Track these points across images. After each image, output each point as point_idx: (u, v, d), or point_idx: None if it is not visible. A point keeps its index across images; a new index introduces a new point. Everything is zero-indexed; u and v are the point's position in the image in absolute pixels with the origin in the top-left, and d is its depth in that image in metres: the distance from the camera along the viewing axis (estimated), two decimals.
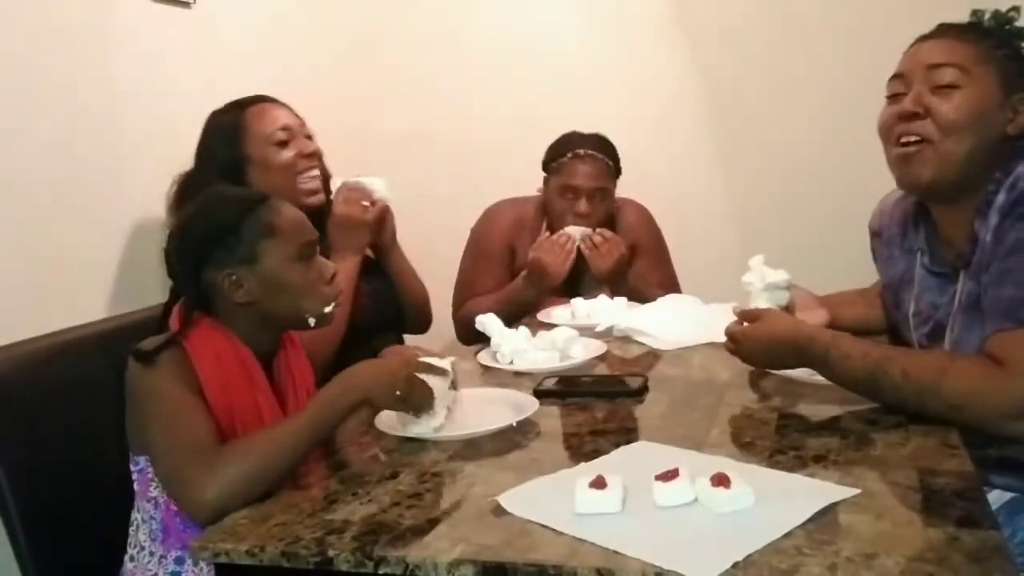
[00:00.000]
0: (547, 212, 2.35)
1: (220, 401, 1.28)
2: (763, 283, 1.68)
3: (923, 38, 1.47)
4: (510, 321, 1.91)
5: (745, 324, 1.49)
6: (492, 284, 2.34)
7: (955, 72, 1.39)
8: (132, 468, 1.34)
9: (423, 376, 1.31)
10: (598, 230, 2.22)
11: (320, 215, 1.91)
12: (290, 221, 1.38)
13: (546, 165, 2.35)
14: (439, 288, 2.27)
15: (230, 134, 1.91)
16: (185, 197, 1.86)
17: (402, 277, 2.09)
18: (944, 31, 1.45)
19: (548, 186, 2.34)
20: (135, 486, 1.34)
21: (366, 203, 1.95)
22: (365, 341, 1.91)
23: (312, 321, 1.38)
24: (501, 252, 2.37)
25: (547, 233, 2.27)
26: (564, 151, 2.29)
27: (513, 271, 2.35)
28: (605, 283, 2.24)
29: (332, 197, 1.97)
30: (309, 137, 1.98)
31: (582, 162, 2.26)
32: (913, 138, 1.42)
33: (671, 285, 2.36)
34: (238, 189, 1.38)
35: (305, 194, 1.93)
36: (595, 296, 2.14)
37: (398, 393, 1.28)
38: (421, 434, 1.33)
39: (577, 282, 2.29)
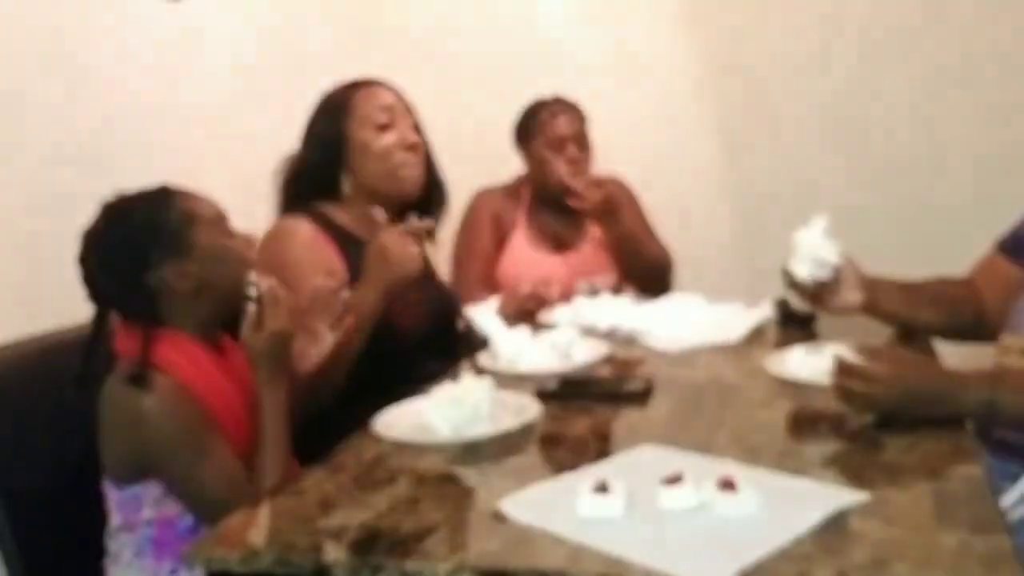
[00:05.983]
0: (537, 177, 2.43)
1: (212, 405, 1.31)
2: (812, 252, 1.65)
3: None
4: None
5: (875, 363, 1.31)
6: (481, 248, 2.42)
7: None
8: (113, 495, 1.32)
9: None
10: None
11: (419, 205, 1.83)
12: (204, 203, 1.39)
13: (522, 134, 2.45)
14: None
15: (335, 112, 1.84)
16: (294, 180, 1.83)
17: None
18: None
19: (531, 154, 2.43)
20: (117, 514, 1.32)
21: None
22: (418, 362, 1.75)
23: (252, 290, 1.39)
24: (488, 219, 2.44)
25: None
26: (536, 112, 2.41)
27: (500, 235, 2.43)
28: (596, 222, 2.37)
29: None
30: (416, 128, 1.88)
31: (560, 113, 2.39)
32: None
33: (656, 238, 2.53)
34: (137, 191, 1.39)
35: (400, 180, 1.82)
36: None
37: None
38: (416, 440, 1.31)
39: (570, 238, 2.44)
